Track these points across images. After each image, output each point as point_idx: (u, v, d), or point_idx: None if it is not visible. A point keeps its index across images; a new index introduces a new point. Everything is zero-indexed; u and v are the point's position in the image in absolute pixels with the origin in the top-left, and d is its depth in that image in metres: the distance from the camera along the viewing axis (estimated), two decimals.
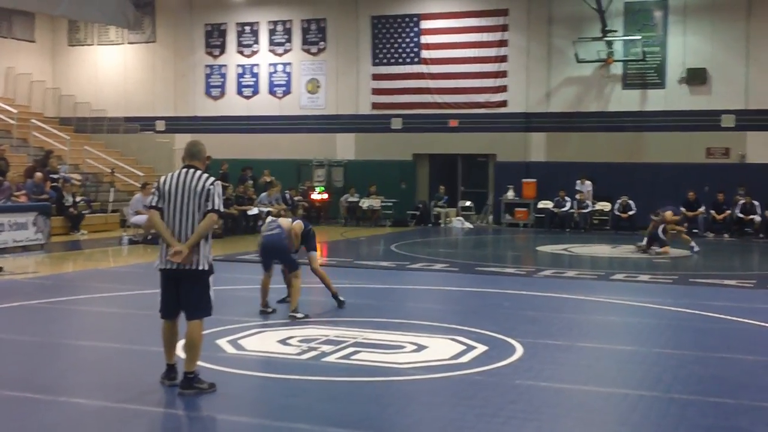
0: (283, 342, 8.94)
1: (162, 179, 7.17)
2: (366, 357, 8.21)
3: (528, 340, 9.07)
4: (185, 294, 7.00)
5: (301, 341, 8.95)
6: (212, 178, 7.13)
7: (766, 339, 9.63)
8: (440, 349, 8.69)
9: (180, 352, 7.29)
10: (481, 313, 11.15)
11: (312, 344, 8.79)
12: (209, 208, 6.98)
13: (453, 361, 8.17)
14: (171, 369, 7.18)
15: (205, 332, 9.05)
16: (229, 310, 11.13)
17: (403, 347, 8.69)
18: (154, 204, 7.15)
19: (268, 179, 26.89)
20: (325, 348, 8.59)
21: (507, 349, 8.66)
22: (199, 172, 7.12)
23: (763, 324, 10.31)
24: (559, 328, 10.03)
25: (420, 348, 8.70)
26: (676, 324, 10.51)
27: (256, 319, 10.35)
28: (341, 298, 11.14)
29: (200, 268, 6.95)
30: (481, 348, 8.68)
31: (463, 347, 8.72)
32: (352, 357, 8.22)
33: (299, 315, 10.33)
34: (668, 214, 19.73)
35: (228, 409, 6.56)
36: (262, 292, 10.93)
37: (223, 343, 8.82)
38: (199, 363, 7.83)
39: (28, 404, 6.70)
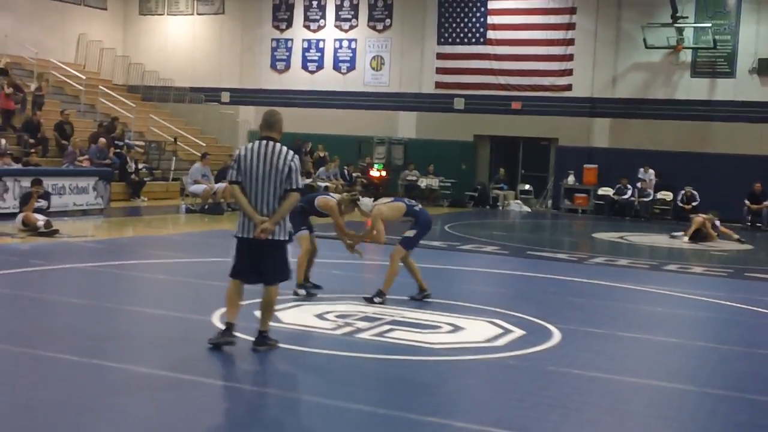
0: (320, 317, 8.95)
1: (241, 151, 7.24)
2: (400, 335, 8.18)
3: (568, 326, 8.94)
4: (266, 262, 7.17)
5: (338, 316, 8.96)
6: (292, 153, 7.19)
7: None
8: (477, 331, 8.63)
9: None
10: (524, 297, 11.05)
11: (348, 320, 8.79)
12: (291, 187, 7.09)
13: (488, 344, 8.10)
14: (229, 328, 7.27)
15: (245, 303, 9.21)
16: None
17: (439, 327, 8.64)
18: (234, 179, 7.25)
19: (321, 154, 27.01)
20: (361, 324, 8.59)
21: (545, 334, 8.56)
22: (279, 146, 7.16)
23: None
24: (601, 317, 9.90)
25: (456, 329, 8.65)
26: (725, 318, 10.29)
27: (300, 292, 10.35)
28: (428, 292, 10.13)
29: (280, 238, 7.13)
30: (518, 332, 8.59)
31: (501, 330, 8.64)
32: (387, 335, 8.20)
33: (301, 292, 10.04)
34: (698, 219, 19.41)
35: (256, 381, 6.61)
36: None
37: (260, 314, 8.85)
38: (236, 333, 7.94)
39: (75, 367, 6.79)
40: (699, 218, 19.50)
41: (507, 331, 8.62)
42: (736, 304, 11.08)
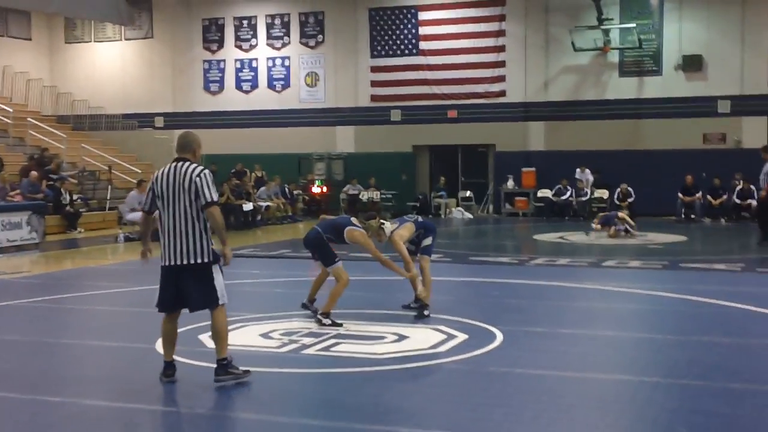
0: (265, 336, 8.99)
1: (154, 176, 7.11)
2: (345, 348, 8.26)
3: (509, 328, 9.10)
4: (189, 287, 6.99)
5: (282, 334, 9.00)
6: (199, 168, 6.96)
7: (744, 322, 9.64)
8: (421, 338, 8.73)
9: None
10: (467, 302, 11.20)
11: (293, 337, 8.84)
12: (203, 202, 6.89)
13: (432, 350, 8.22)
14: (169, 366, 7.16)
15: (186, 328, 9.18)
16: None
17: (384, 338, 8.73)
18: (146, 207, 7.17)
19: (259, 173, 27.02)
20: (306, 340, 8.64)
21: (487, 337, 8.70)
22: (186, 165, 6.98)
23: (744, 307, 10.35)
24: (541, 316, 10.08)
25: (401, 338, 8.75)
26: (660, 309, 10.55)
27: (243, 313, 10.34)
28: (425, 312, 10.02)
29: (200, 260, 6.92)
30: (461, 337, 8.72)
31: (444, 336, 8.76)
32: (332, 348, 8.27)
33: (326, 321, 9.45)
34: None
35: (204, 404, 6.60)
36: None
37: (204, 338, 8.83)
38: (178, 358, 7.92)
39: (18, 403, 6.76)
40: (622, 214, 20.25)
41: (451, 337, 8.74)
42: (671, 295, 11.35)
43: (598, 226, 19.97)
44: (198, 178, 6.89)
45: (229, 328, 9.22)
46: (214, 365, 7.49)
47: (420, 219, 10.55)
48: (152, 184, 7.08)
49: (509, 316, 9.92)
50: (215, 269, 7.02)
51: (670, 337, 8.81)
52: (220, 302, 7.01)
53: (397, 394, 6.78)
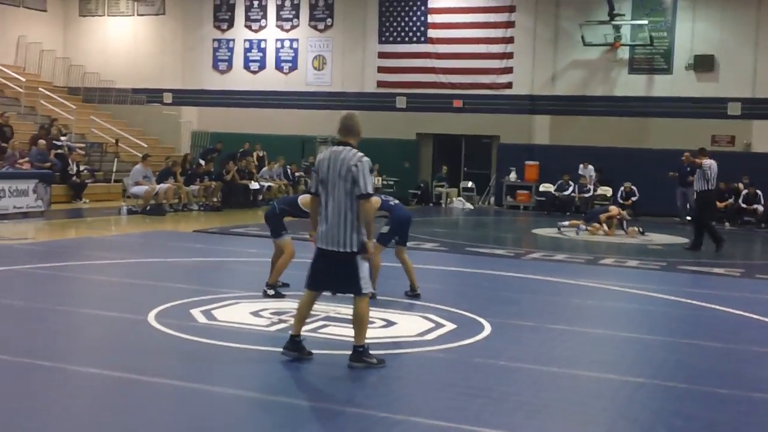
0: (256, 314, 9.04)
1: (318, 159, 7.06)
2: (333, 331, 8.29)
3: (498, 320, 9.13)
4: (336, 274, 6.98)
5: (273, 313, 9.05)
6: (357, 156, 6.84)
7: (736, 327, 9.64)
8: (409, 325, 8.78)
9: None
10: (459, 292, 11.23)
11: (283, 317, 8.88)
12: (358, 193, 6.81)
13: (418, 338, 8.26)
14: (293, 341, 7.11)
15: (179, 302, 9.28)
16: (211, 281, 11.31)
17: (372, 323, 8.66)
18: (312, 189, 7.11)
19: (260, 153, 27.08)
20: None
21: (475, 328, 8.73)
22: (347, 150, 6.89)
23: (738, 312, 10.35)
24: (532, 310, 10.09)
25: (389, 324, 8.79)
26: (653, 310, 10.55)
27: (236, 291, 10.42)
28: (418, 292, 10.40)
29: (347, 250, 6.87)
30: (449, 326, 8.76)
31: (432, 325, 8.80)
32: (320, 330, 8.30)
33: (270, 292, 10.02)
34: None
35: (187, 377, 6.63)
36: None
37: (196, 312, 8.92)
38: (168, 331, 8.01)
39: (9, 366, 6.81)
40: (615, 209, 20.28)
41: (438, 325, 8.78)
42: (666, 296, 11.37)
43: (577, 223, 20.07)
44: (355, 167, 6.81)
45: (221, 304, 9.40)
46: (198, 338, 7.59)
47: (393, 202, 10.39)
48: (316, 166, 7.04)
49: (499, 309, 9.94)
50: (360, 259, 6.97)
51: (660, 338, 8.83)
52: (364, 291, 6.98)
53: (378, 379, 6.81)
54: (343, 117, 7.23)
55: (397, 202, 10.57)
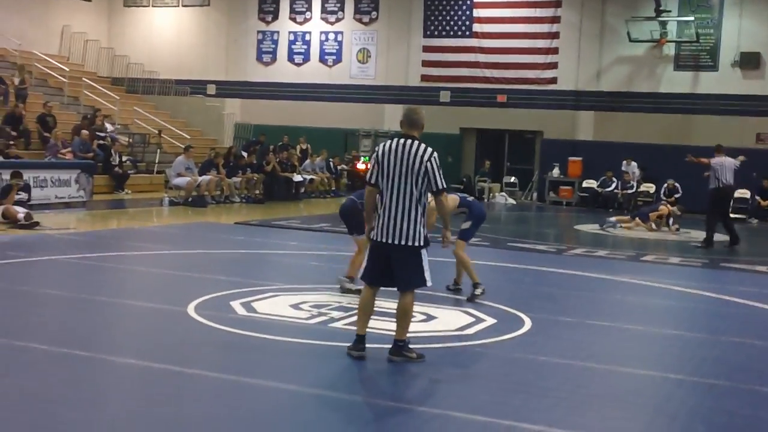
0: (296, 306, 9.06)
1: (380, 150, 6.97)
2: (373, 324, 8.16)
3: (539, 315, 9.09)
4: (399, 267, 6.92)
5: (312, 306, 9.08)
6: (429, 151, 6.84)
7: None
8: (449, 320, 8.77)
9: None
10: (499, 287, 11.14)
11: (323, 310, 8.91)
12: (434, 189, 6.82)
13: (458, 332, 8.25)
14: (360, 340, 7.08)
15: (219, 294, 9.34)
16: (252, 274, 11.37)
17: (412, 317, 8.73)
18: (371, 180, 7.00)
19: (303, 146, 27.15)
20: (335, 314, 8.71)
21: (515, 323, 8.70)
22: (416, 144, 6.86)
23: None
24: (573, 306, 10.04)
25: (429, 318, 8.78)
26: (695, 307, 10.46)
27: (277, 283, 10.46)
28: (460, 286, 10.30)
29: (412, 244, 6.83)
30: (489, 321, 8.73)
31: (473, 319, 8.78)
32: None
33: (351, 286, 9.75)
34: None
35: (229, 370, 6.65)
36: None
37: (236, 304, 8.96)
38: (207, 322, 8.06)
39: (46, 356, 6.87)
40: (665, 208, 20.22)
41: (479, 320, 8.75)
42: (707, 293, 11.25)
43: (626, 219, 20.10)
44: (429, 163, 6.79)
45: (261, 297, 9.44)
46: (236, 330, 7.63)
47: (470, 198, 10.49)
48: (377, 157, 6.99)
49: (540, 304, 9.89)
50: (424, 253, 6.96)
51: (701, 335, 8.74)
52: (429, 284, 7.00)
53: (417, 373, 6.81)
54: (408, 110, 7.17)
55: (472, 198, 10.66)
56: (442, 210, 6.97)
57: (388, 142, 6.99)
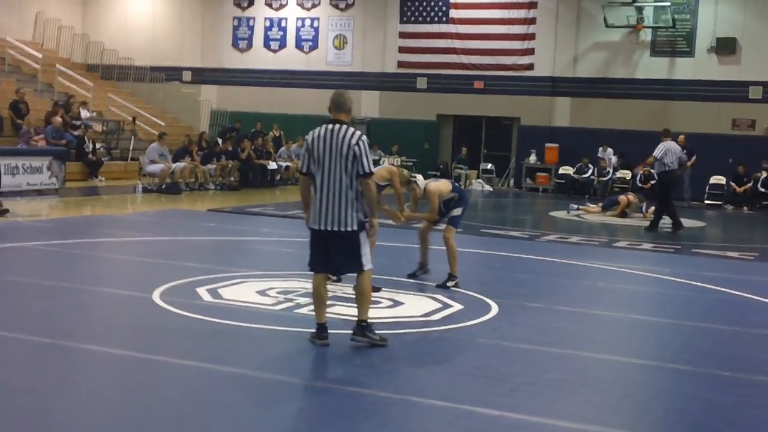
0: (262, 293, 9.01)
1: (309, 138, 6.92)
2: (338, 311, 8.22)
3: (506, 301, 9.07)
4: (336, 253, 6.92)
5: (279, 293, 9.02)
6: (357, 134, 6.83)
7: (746, 311, 9.53)
8: (415, 306, 8.74)
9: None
10: (469, 273, 11.08)
11: (289, 296, 8.86)
12: (361, 172, 6.77)
13: (424, 318, 8.22)
14: (321, 328, 7.04)
15: (186, 280, 9.25)
16: (221, 260, 11.28)
17: (379, 303, 8.70)
18: (303, 169, 6.98)
19: (276, 133, 27.02)
20: (301, 300, 8.65)
21: (482, 308, 8.68)
22: (344, 129, 6.83)
23: (749, 296, 10.24)
24: (541, 292, 10.03)
25: (396, 304, 8.74)
26: (664, 292, 10.46)
27: (246, 270, 10.39)
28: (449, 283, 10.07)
29: (348, 229, 6.82)
30: (456, 307, 8.71)
31: (439, 305, 8.75)
32: (327, 310, 8.23)
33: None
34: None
35: (192, 356, 6.59)
36: None
37: (202, 291, 8.90)
38: (172, 309, 7.99)
39: (20, 344, 6.78)
40: (625, 198, 20.53)
41: (445, 306, 8.73)
42: (677, 279, 11.26)
43: (595, 207, 20.40)
44: (357, 147, 6.77)
45: (228, 283, 9.37)
46: (200, 317, 7.57)
47: (457, 184, 10.55)
48: (307, 145, 6.94)
49: (509, 290, 9.87)
50: (362, 236, 6.93)
51: (667, 320, 8.74)
52: (366, 268, 6.94)
53: (379, 357, 6.76)
54: (334, 94, 7.16)
55: (458, 184, 10.68)
56: (368, 195, 6.86)
57: (318, 129, 6.94)
